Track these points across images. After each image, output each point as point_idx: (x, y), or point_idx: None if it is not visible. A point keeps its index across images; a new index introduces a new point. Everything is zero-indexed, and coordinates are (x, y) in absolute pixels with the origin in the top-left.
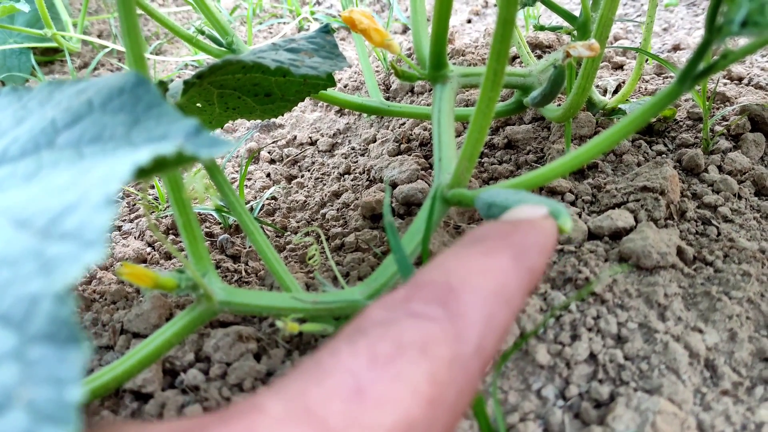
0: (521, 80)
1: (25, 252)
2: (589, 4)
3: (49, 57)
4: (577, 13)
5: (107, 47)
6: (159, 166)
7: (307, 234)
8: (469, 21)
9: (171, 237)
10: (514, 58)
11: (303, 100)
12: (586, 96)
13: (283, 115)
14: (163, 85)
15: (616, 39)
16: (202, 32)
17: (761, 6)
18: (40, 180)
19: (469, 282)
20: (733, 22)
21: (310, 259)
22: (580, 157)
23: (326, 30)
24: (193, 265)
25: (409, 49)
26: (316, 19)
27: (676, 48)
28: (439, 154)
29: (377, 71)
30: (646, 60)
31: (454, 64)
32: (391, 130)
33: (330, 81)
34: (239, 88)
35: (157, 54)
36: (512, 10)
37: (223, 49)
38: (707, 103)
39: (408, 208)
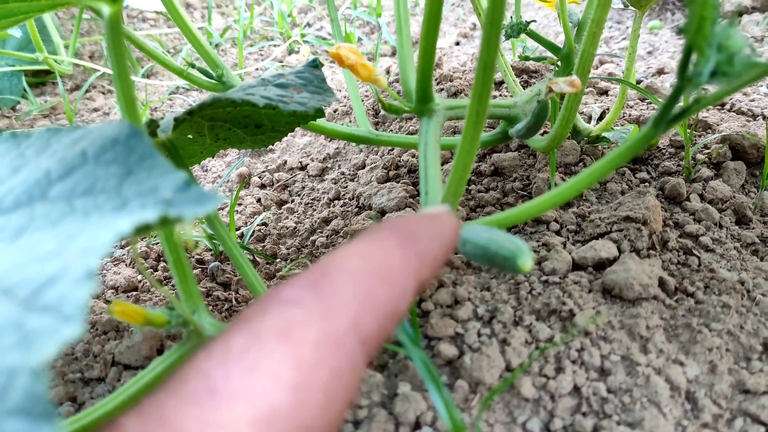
0: (506, 111)
1: (7, 322)
2: (572, 35)
3: (41, 78)
4: (560, 44)
5: (99, 71)
6: (144, 229)
7: (296, 265)
8: (457, 43)
9: (162, 265)
10: (500, 83)
11: (293, 131)
12: (569, 127)
13: (273, 144)
14: (153, 124)
15: (601, 63)
16: (193, 65)
17: (729, 57)
18: (29, 238)
19: (344, 264)
20: (702, 74)
21: None
22: (562, 194)
23: (314, 65)
24: (183, 302)
25: (398, 74)
26: (306, 42)
27: (660, 72)
28: (426, 187)
29: (366, 96)
30: None
31: (442, 89)
32: (380, 156)
33: (319, 112)
34: (230, 120)
35: (148, 76)
36: (493, 55)
37: (213, 81)
38: (689, 131)
39: None
